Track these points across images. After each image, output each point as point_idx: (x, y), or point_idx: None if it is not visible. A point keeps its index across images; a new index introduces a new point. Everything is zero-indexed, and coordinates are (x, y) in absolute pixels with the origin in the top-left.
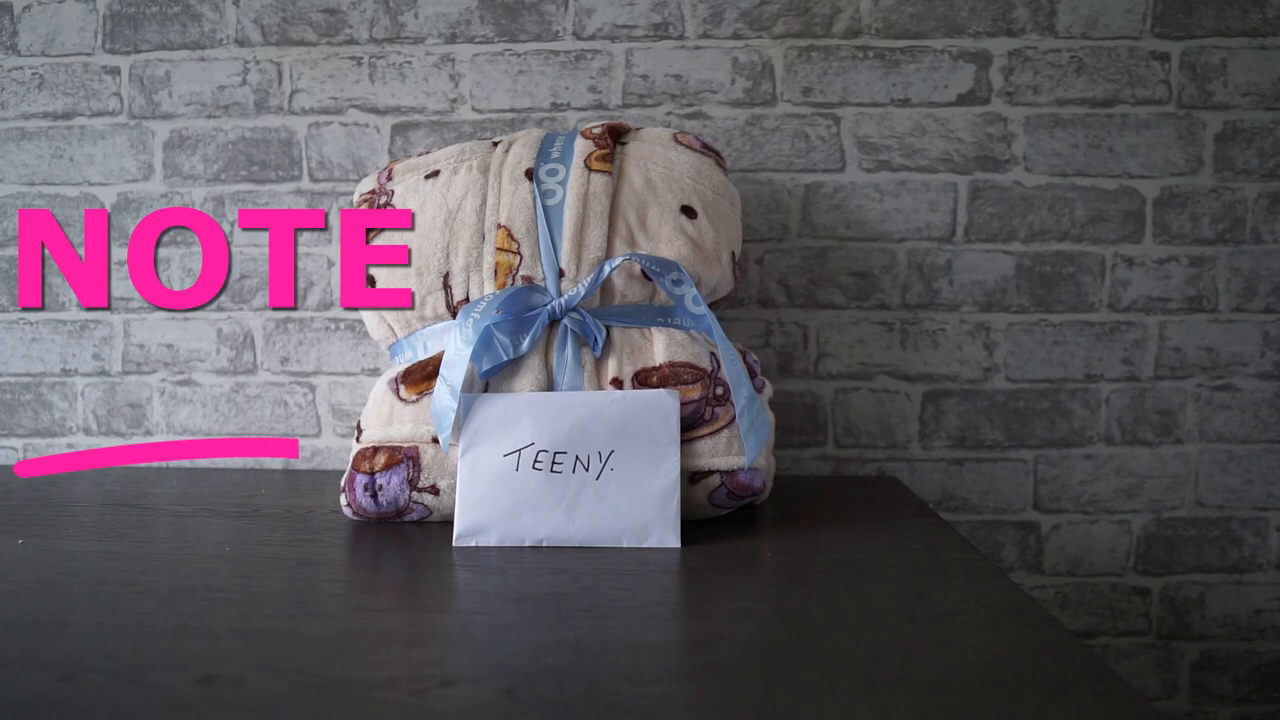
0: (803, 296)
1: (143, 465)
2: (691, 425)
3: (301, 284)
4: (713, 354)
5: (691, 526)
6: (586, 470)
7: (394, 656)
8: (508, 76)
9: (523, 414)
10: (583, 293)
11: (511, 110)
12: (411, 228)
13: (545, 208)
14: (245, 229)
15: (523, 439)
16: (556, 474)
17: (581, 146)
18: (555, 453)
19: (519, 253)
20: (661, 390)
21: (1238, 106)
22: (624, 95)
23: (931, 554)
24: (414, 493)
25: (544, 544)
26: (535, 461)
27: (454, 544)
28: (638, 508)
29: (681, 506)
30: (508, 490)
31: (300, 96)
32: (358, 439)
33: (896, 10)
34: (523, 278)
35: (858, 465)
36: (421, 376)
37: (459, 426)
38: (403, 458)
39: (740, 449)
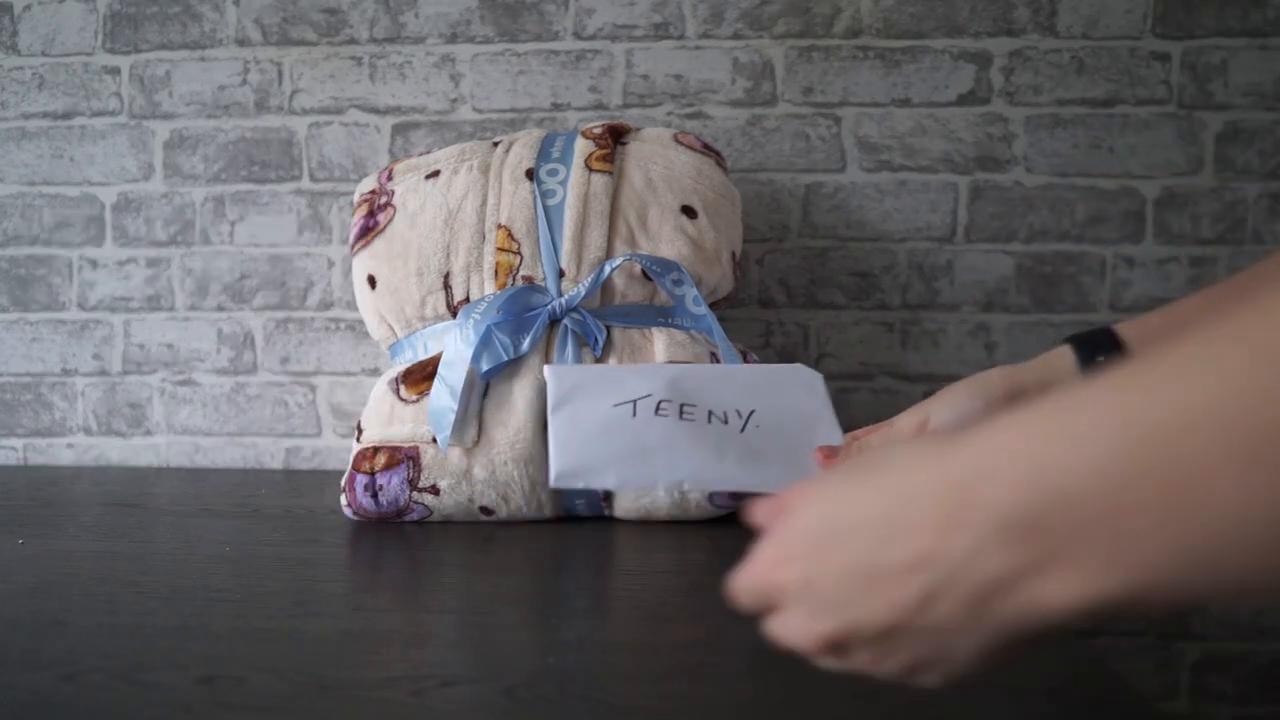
0: (803, 296)
1: (143, 465)
2: None
3: (301, 284)
4: (713, 354)
5: (692, 527)
6: (725, 424)
7: (394, 656)
8: (508, 76)
9: (628, 375)
10: (583, 293)
11: (512, 110)
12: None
13: (546, 208)
14: (245, 229)
15: (636, 391)
16: (688, 421)
17: (582, 146)
18: (682, 404)
19: (519, 253)
20: (798, 364)
21: (1238, 107)
22: (624, 95)
23: None
24: (414, 493)
25: (684, 486)
26: (659, 409)
27: (552, 484)
28: (805, 459)
29: (681, 508)
30: (625, 434)
31: (300, 96)
32: (358, 439)
33: (897, 10)
34: (523, 278)
35: None
36: (422, 376)
37: (460, 426)
38: (403, 458)
39: None
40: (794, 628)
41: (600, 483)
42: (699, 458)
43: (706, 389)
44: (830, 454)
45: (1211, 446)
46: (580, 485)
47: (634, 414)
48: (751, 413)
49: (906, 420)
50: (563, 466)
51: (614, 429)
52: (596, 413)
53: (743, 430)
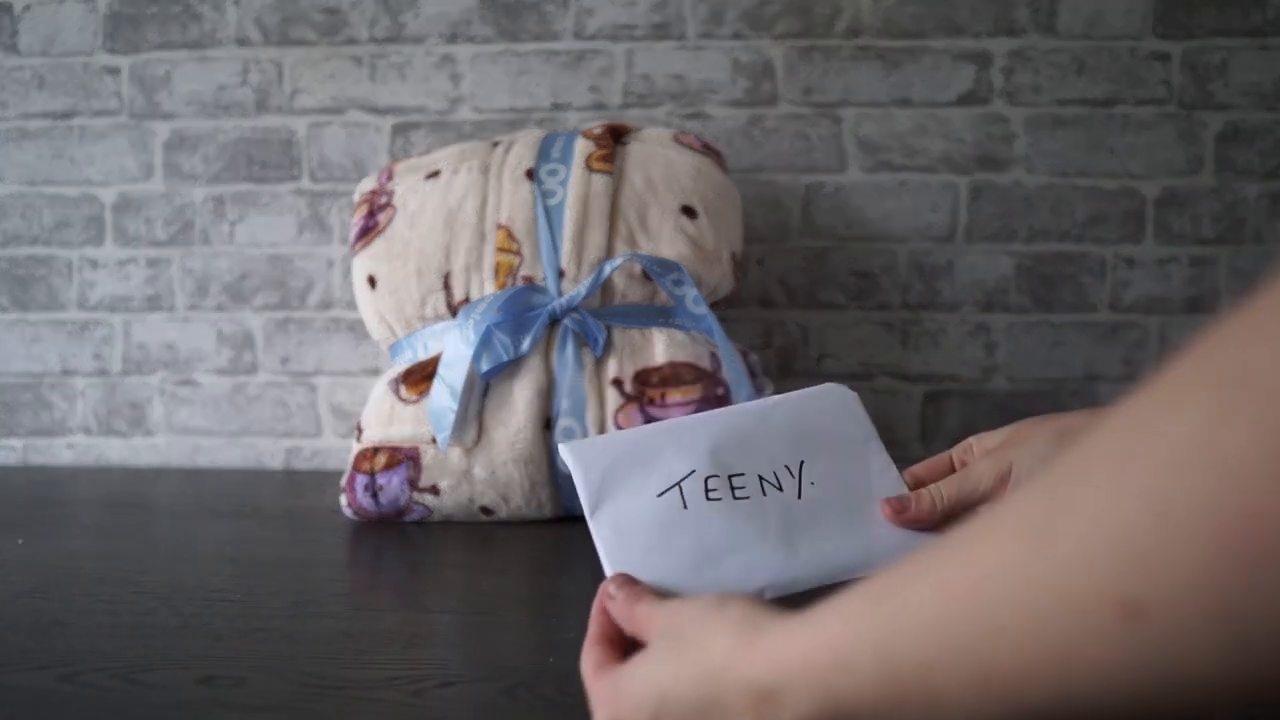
0: (803, 297)
1: (143, 465)
2: None
3: (301, 284)
4: (713, 354)
5: None
6: (781, 490)
7: (394, 656)
8: (508, 76)
9: (662, 444)
10: (583, 293)
11: (511, 110)
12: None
13: (546, 208)
14: (245, 229)
15: (676, 470)
16: (743, 500)
17: (582, 147)
18: (730, 475)
19: (519, 253)
20: (829, 384)
21: (1238, 106)
22: (624, 95)
23: None
24: (414, 493)
25: (765, 595)
26: (709, 491)
27: None
28: (874, 520)
29: None
30: (684, 535)
31: (300, 96)
32: (358, 439)
33: (897, 10)
34: (523, 278)
35: None
36: (422, 377)
37: (460, 426)
38: (403, 458)
39: None
40: None
41: (664, 587)
42: (772, 556)
43: (748, 446)
44: (901, 509)
45: (950, 681)
46: None
47: (684, 504)
48: (802, 465)
49: (985, 471)
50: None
51: (670, 530)
52: (642, 509)
53: (800, 495)
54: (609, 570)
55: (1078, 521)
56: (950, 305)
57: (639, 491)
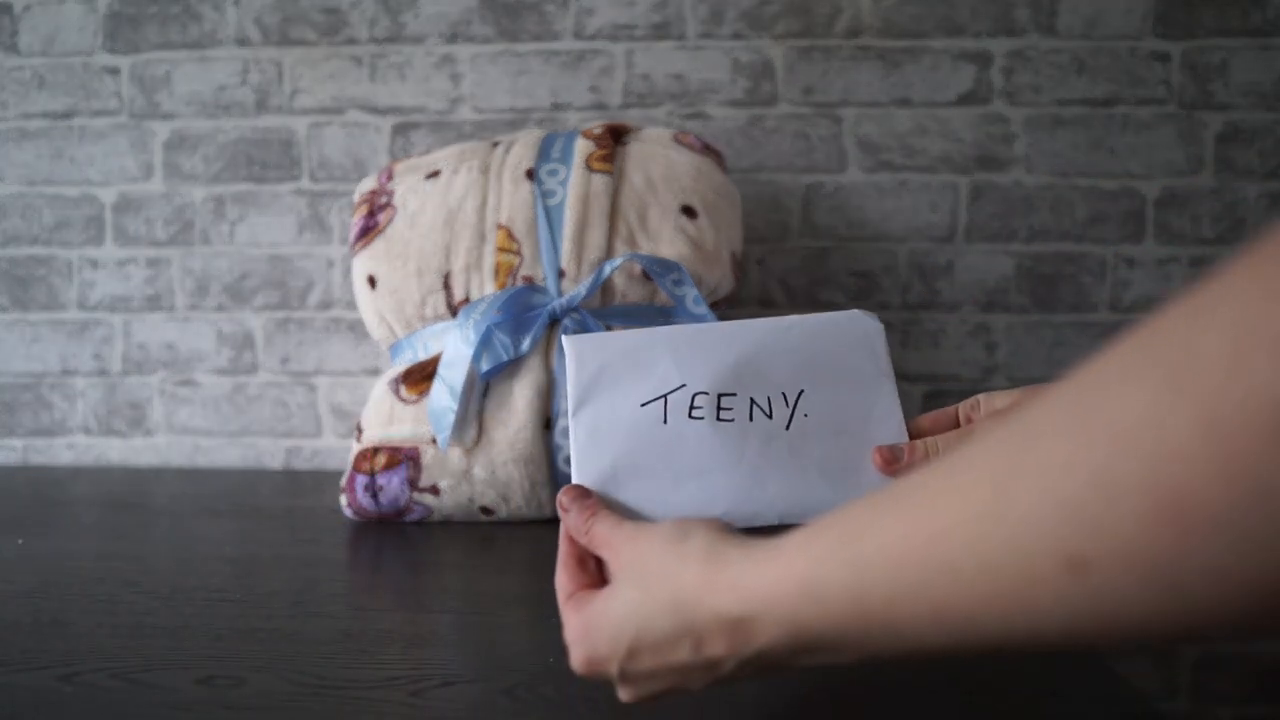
0: (803, 296)
1: (143, 465)
2: None
3: (301, 284)
4: None
5: None
6: (770, 417)
7: (394, 656)
8: (508, 76)
9: (662, 352)
10: (583, 293)
11: (511, 110)
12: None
13: (546, 208)
14: (245, 229)
15: (667, 381)
16: (726, 422)
17: (582, 147)
18: (720, 395)
19: (519, 253)
20: (856, 311)
21: (1238, 107)
22: (624, 95)
23: None
24: (414, 493)
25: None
26: (692, 408)
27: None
28: (857, 464)
29: None
30: (654, 450)
31: (300, 96)
32: (358, 439)
33: (897, 10)
34: (523, 278)
35: None
36: (422, 377)
37: (460, 426)
38: (403, 458)
39: None
40: (624, 695)
41: (622, 502)
42: (737, 486)
43: (750, 366)
44: (892, 459)
45: (910, 615)
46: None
47: (665, 419)
48: (800, 394)
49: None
50: (583, 482)
51: (643, 443)
52: (622, 416)
53: (789, 425)
54: (576, 474)
55: (1033, 484)
56: (950, 305)
57: (625, 397)
